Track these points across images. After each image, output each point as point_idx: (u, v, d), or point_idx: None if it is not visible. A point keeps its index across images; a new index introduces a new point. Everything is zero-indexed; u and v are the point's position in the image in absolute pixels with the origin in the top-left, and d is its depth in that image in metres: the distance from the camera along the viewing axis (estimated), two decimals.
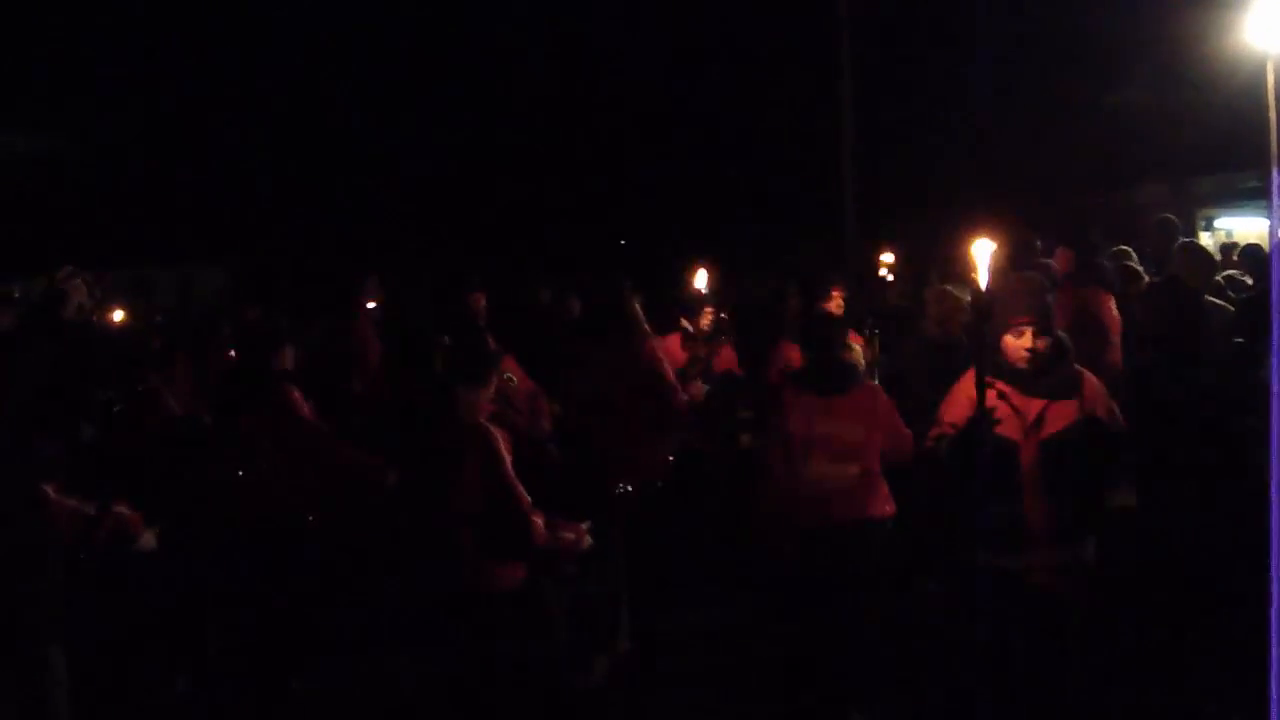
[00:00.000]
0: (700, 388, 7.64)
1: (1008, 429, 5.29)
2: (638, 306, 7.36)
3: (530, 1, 26.16)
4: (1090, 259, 8.69)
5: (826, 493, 5.98)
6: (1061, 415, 5.34)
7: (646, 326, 7.36)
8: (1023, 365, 5.33)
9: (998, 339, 5.37)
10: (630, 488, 7.02)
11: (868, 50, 19.63)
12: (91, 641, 5.30)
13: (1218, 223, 19.47)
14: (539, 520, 5.31)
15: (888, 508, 6.15)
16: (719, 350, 8.60)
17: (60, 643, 4.48)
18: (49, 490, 4.71)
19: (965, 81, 23.00)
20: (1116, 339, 7.98)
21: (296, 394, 6.74)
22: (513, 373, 7.13)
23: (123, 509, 5.15)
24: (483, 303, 8.43)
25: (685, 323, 8.82)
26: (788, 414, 6.10)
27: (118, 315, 8.27)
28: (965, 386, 5.39)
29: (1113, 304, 8.21)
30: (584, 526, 5.62)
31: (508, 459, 5.32)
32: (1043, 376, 5.36)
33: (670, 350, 8.21)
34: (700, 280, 8.45)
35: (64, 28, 25.14)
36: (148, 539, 5.29)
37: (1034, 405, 5.32)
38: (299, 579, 6.69)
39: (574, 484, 6.91)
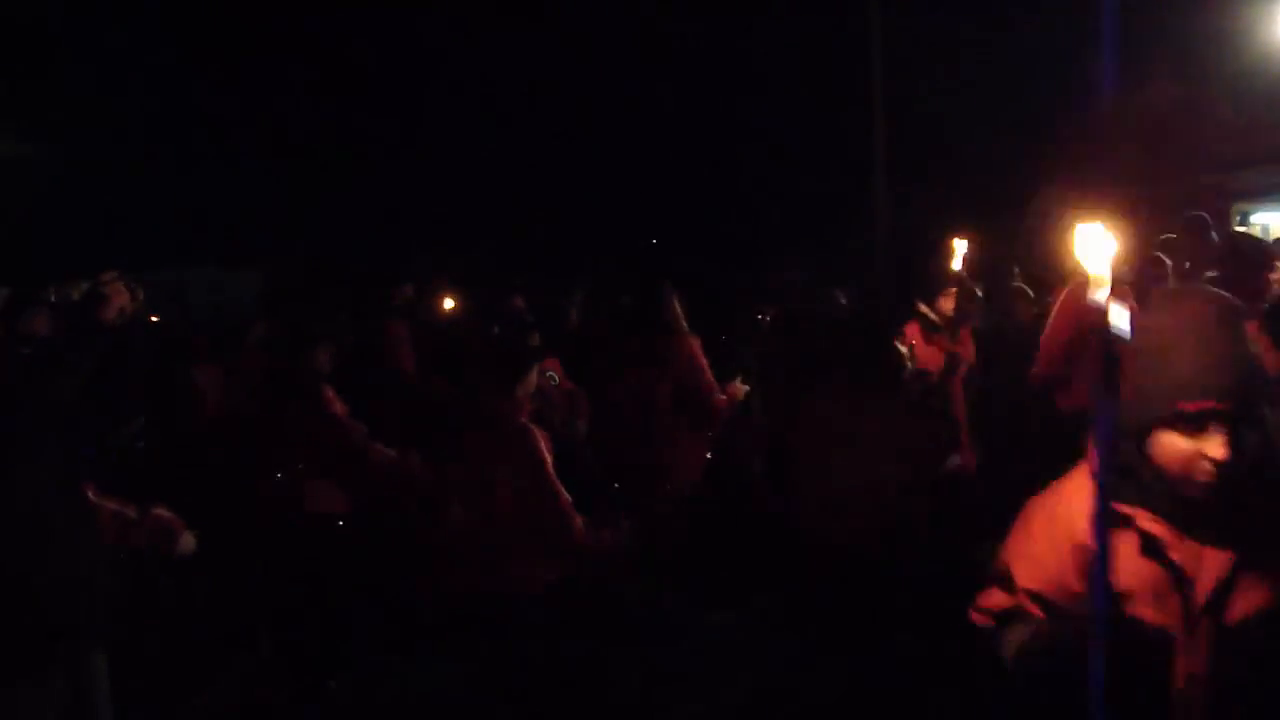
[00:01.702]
0: (739, 388, 7.60)
1: (1157, 609, 2.83)
2: (678, 306, 7.34)
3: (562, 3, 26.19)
4: None
5: (869, 494, 5.95)
6: (1261, 583, 2.80)
7: (685, 326, 7.35)
8: (1199, 494, 2.75)
9: (1143, 433, 2.79)
10: (668, 488, 7.02)
11: (898, 44, 19.63)
12: (133, 642, 5.32)
13: (1253, 218, 19.33)
14: (579, 520, 5.30)
15: (926, 507, 6.12)
16: (964, 340, 7.70)
17: (104, 648, 4.50)
18: (89, 493, 4.74)
19: (997, 80, 22.92)
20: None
21: (331, 393, 6.78)
22: (555, 373, 7.16)
23: (162, 511, 5.17)
24: (523, 304, 8.48)
25: (923, 308, 7.78)
26: (824, 414, 6.08)
27: (154, 319, 8.34)
28: (1052, 520, 2.97)
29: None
30: (622, 527, 5.62)
31: (549, 459, 5.32)
32: (1230, 513, 2.78)
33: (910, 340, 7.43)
34: (957, 256, 7.36)
35: (100, 28, 25.29)
36: (187, 541, 5.31)
37: (1210, 563, 2.80)
38: (334, 580, 6.73)
39: (611, 485, 6.93)
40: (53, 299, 9.79)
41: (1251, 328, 3.05)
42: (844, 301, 9.29)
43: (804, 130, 24.84)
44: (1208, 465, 2.70)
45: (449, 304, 9.70)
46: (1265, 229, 18.94)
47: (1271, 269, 6.94)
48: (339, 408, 6.77)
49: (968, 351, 7.81)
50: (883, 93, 19.33)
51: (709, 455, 7.38)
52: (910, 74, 20.54)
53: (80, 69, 25.36)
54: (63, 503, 4.35)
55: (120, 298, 4.89)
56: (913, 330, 7.68)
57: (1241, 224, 18.69)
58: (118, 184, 26.15)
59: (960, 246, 7.31)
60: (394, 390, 8.54)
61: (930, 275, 7.87)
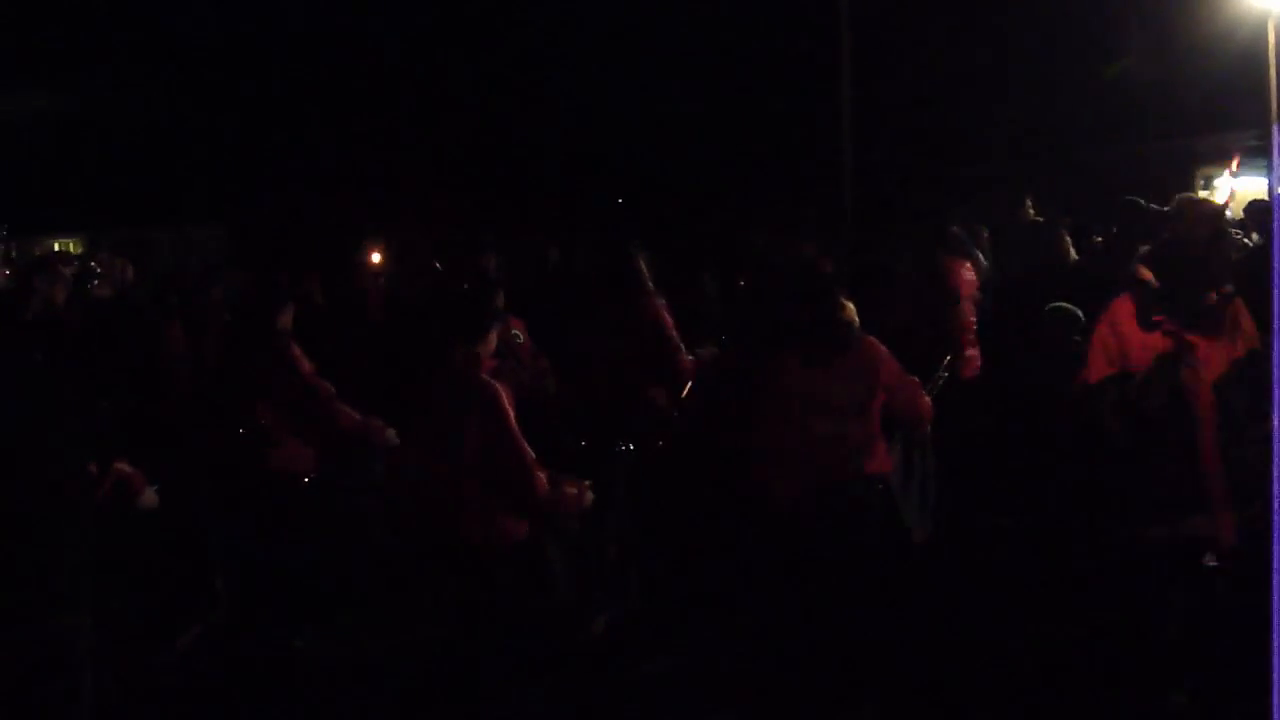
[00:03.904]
0: (708, 351, 7.61)
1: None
2: (643, 265, 7.35)
3: None
4: (941, 227, 9.04)
5: (825, 452, 5.97)
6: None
7: (651, 285, 7.35)
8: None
9: None
10: (631, 445, 7.05)
11: (867, 18, 19.59)
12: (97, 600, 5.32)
13: (1216, 181, 19.42)
14: (542, 475, 5.32)
15: (884, 466, 6.16)
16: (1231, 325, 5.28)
17: (87, 608, 4.47)
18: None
19: (967, 44, 22.94)
20: (966, 304, 8.39)
21: (298, 351, 6.77)
22: (519, 331, 7.17)
23: (124, 466, 5.16)
24: (492, 264, 8.47)
25: (1147, 275, 5.52)
26: (786, 373, 6.09)
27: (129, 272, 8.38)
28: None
29: (968, 269, 8.65)
30: (586, 482, 5.64)
31: (511, 413, 5.34)
32: None
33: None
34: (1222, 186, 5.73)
35: None
36: (149, 497, 5.30)
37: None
38: (299, 537, 6.73)
39: (577, 441, 6.95)
40: (14, 254, 9.75)
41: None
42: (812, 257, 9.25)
43: (770, 85, 24.80)
44: None
45: (380, 259, 9.73)
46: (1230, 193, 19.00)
47: None
48: (306, 365, 6.76)
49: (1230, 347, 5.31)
50: (850, 43, 19.27)
51: (674, 414, 7.39)
52: (879, 26, 20.51)
53: (48, 23, 25.06)
54: (40, 462, 4.35)
55: (55, 288, 4.88)
56: (1123, 309, 5.48)
57: (1204, 189, 18.77)
58: (85, 138, 25.92)
59: (1226, 184, 5.82)
60: (362, 346, 8.53)
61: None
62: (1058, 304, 7.72)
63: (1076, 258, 8.98)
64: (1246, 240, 9.04)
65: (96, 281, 8.79)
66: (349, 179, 25.12)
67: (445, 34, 27.12)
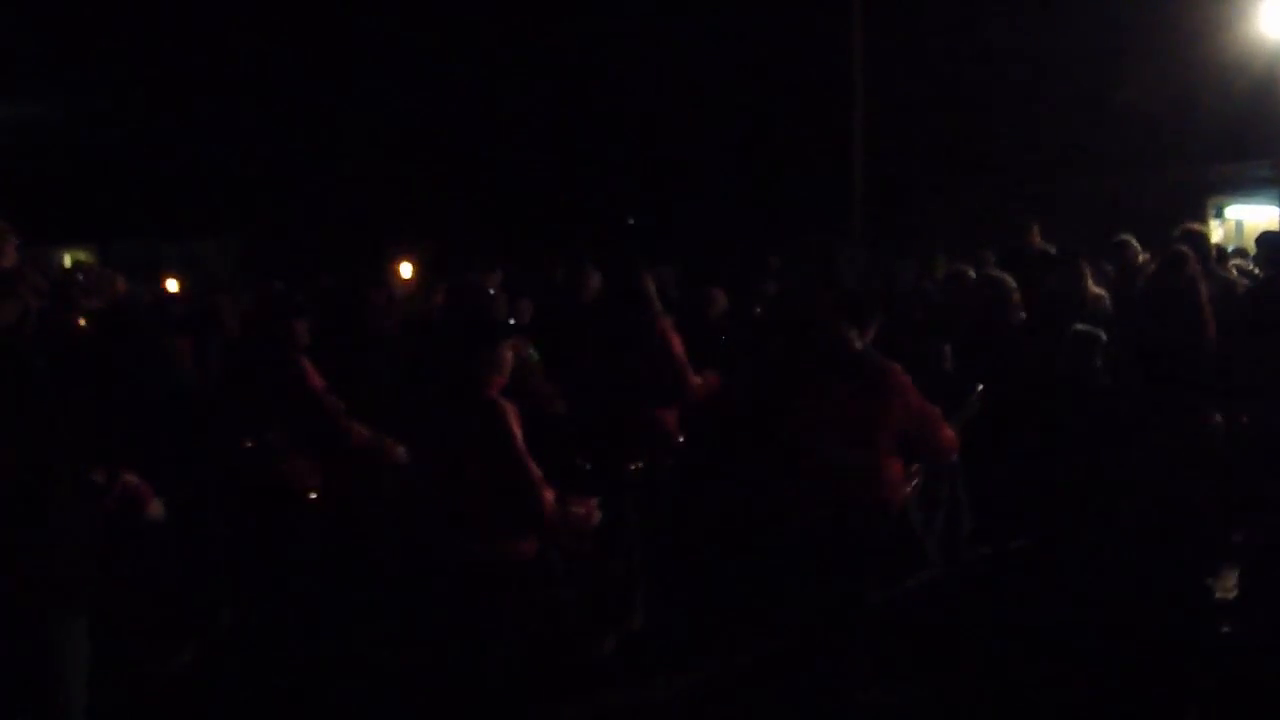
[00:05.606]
0: (714, 375, 7.62)
1: None
2: (651, 285, 7.36)
3: None
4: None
5: (830, 478, 5.96)
6: None
7: (659, 305, 7.36)
8: None
9: None
10: (640, 465, 7.04)
11: (880, 36, 19.66)
12: (99, 608, 5.33)
13: (1228, 211, 19.44)
14: (549, 495, 5.32)
15: (894, 494, 6.13)
16: None
17: (84, 614, 4.48)
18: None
19: (979, 69, 22.97)
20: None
21: (310, 366, 6.77)
22: (532, 351, 7.19)
23: (131, 478, 5.16)
24: (500, 281, 8.49)
25: None
26: (804, 398, 6.08)
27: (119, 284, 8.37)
28: None
29: None
30: (594, 502, 5.63)
31: (519, 433, 5.33)
32: None
33: None
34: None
35: None
36: (155, 508, 5.30)
37: None
38: (303, 551, 6.74)
39: (584, 461, 6.95)
40: None
41: None
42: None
43: (781, 105, 24.85)
44: None
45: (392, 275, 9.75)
46: (1240, 223, 19.05)
47: None
48: (317, 381, 6.76)
49: None
50: (863, 68, 19.33)
51: (680, 438, 7.39)
52: (891, 50, 20.57)
53: (52, 35, 25.18)
54: (47, 470, 4.36)
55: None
56: None
57: (1216, 217, 18.80)
58: (97, 151, 26.00)
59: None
60: (373, 362, 8.53)
61: None
62: (1080, 327, 7.65)
63: (1097, 289, 8.91)
64: (1256, 271, 9.05)
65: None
66: (362, 195, 25.18)
67: (453, 50, 27.18)
